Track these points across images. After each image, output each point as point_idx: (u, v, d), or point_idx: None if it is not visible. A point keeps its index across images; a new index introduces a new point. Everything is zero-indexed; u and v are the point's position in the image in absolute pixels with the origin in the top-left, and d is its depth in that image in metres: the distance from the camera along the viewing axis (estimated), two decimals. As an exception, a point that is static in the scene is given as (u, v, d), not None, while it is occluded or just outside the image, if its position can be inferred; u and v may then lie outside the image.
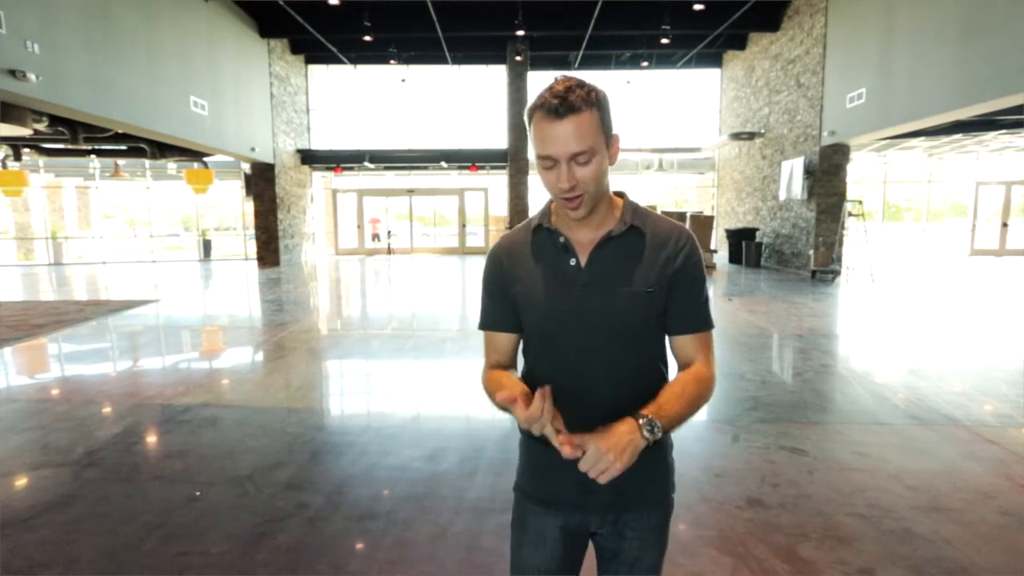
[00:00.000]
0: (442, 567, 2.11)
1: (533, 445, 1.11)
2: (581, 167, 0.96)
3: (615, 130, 1.01)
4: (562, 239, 1.06)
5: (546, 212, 1.10)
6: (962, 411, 3.68)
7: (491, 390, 1.06)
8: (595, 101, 0.95)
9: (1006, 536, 2.27)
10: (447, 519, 2.42)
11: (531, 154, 1.03)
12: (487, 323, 1.15)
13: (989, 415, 3.65)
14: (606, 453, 0.87)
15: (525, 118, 1.01)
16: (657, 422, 0.93)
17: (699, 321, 1.08)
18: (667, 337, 1.10)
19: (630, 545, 1.11)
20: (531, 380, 1.09)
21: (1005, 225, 16.61)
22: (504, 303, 1.12)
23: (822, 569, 2.06)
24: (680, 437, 3.46)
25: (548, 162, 0.97)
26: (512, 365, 1.15)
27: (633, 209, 1.07)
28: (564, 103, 0.92)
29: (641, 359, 1.07)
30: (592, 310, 1.03)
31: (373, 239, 18.76)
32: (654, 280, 1.03)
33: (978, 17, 7.22)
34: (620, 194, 1.11)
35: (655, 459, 1.11)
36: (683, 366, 1.09)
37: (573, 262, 1.05)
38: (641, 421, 0.93)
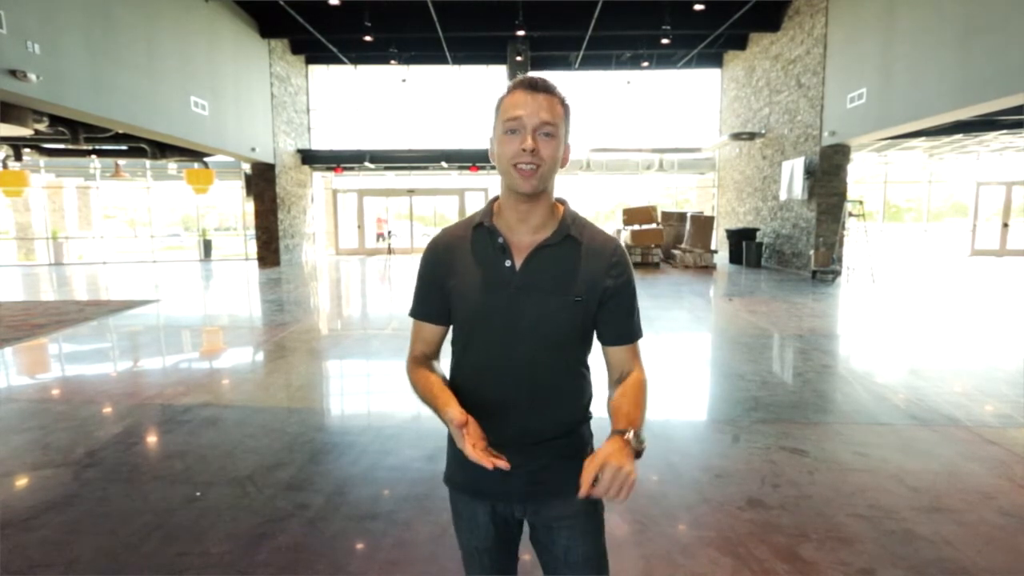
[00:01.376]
0: (442, 568, 2.11)
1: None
2: (544, 140, 1.01)
3: (570, 141, 1.08)
4: (500, 240, 1.08)
5: (488, 211, 1.12)
6: (963, 411, 3.68)
7: (421, 391, 1.10)
8: (565, 101, 1.05)
9: (1007, 537, 2.27)
10: (447, 520, 2.40)
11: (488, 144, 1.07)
12: (418, 313, 1.18)
13: (990, 415, 3.64)
14: (620, 468, 0.89)
15: (496, 103, 1.06)
16: (641, 434, 0.98)
17: (632, 333, 1.13)
18: (602, 346, 1.14)
19: (559, 535, 1.13)
20: (457, 373, 1.15)
21: (1006, 225, 16.60)
22: (436, 295, 1.14)
23: (823, 570, 2.06)
24: (680, 438, 3.48)
25: (514, 124, 1.01)
26: (436, 356, 1.19)
27: (572, 218, 1.11)
28: (542, 82, 1.02)
29: (564, 364, 1.10)
30: (521, 313, 1.06)
31: (378, 239, 18.72)
32: (584, 290, 1.07)
33: (979, 17, 7.22)
34: (561, 201, 1.14)
35: (572, 451, 1.14)
36: (621, 372, 1.13)
37: (508, 264, 1.07)
38: (628, 436, 0.96)
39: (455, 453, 1.17)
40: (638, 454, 0.96)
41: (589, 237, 1.10)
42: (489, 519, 1.16)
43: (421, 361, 1.16)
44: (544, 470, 1.11)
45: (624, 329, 1.12)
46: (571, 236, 1.08)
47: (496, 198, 1.14)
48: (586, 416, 1.17)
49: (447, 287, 1.12)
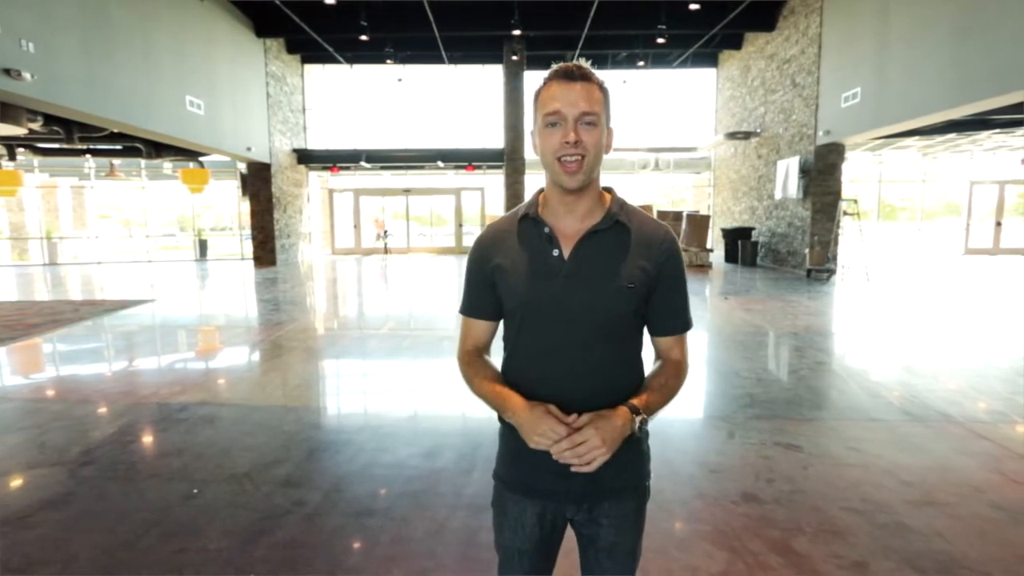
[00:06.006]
0: (440, 563, 2.12)
1: (512, 434, 1.14)
2: (586, 129, 1.00)
3: (612, 125, 1.06)
4: (547, 229, 1.07)
5: (533, 203, 1.12)
6: (956, 408, 3.71)
7: (479, 388, 1.10)
8: (603, 85, 1.02)
9: (997, 529, 2.30)
10: (444, 515, 2.43)
11: (526, 142, 1.07)
12: (467, 310, 1.17)
13: (982, 412, 3.68)
14: (600, 446, 0.94)
15: (534, 96, 1.05)
16: (647, 419, 1.02)
17: (684, 323, 1.13)
18: (651, 335, 1.14)
19: (606, 532, 1.13)
20: (510, 366, 1.14)
21: (999, 224, 16.70)
22: (484, 290, 1.14)
23: (816, 563, 2.08)
24: (676, 434, 3.49)
25: (554, 118, 1.00)
26: (487, 350, 1.18)
27: (620, 205, 1.10)
28: (580, 70, 1.00)
29: (618, 352, 1.09)
30: (574, 301, 1.05)
31: (377, 239, 18.69)
32: (637, 276, 1.05)
33: (972, 16, 7.26)
34: (608, 189, 1.13)
35: (630, 448, 1.13)
36: (665, 358, 1.13)
37: (556, 253, 1.06)
38: (637, 417, 0.99)
39: (508, 449, 1.16)
40: (631, 435, 1.00)
41: (639, 223, 1.09)
42: (537, 520, 1.13)
43: (474, 355, 1.15)
44: (603, 471, 1.07)
45: (675, 320, 1.11)
46: (620, 222, 1.07)
47: (541, 190, 1.13)
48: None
49: (494, 281, 1.11)
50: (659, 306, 1.09)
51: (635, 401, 1.02)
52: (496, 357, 1.19)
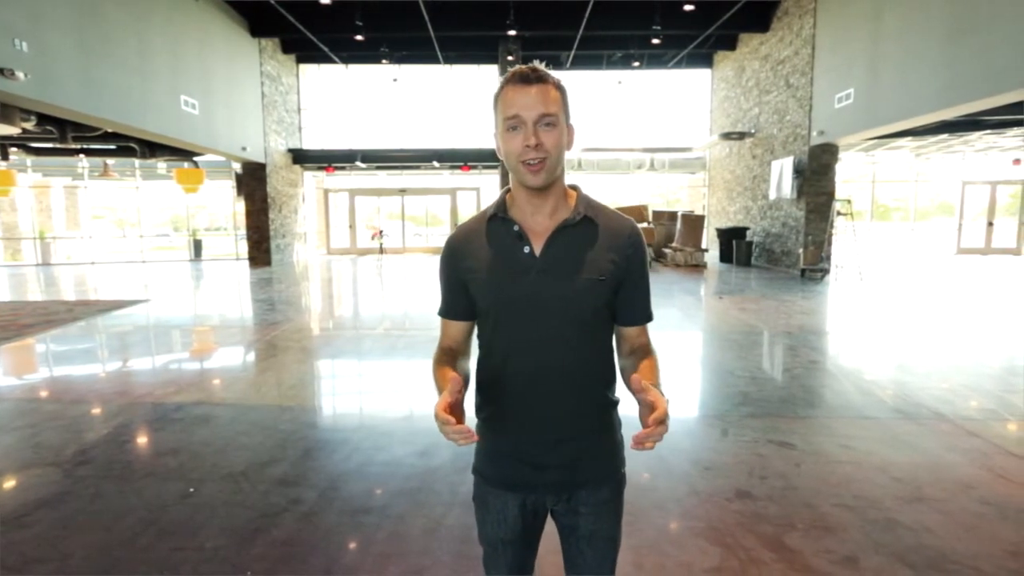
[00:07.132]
0: (436, 560, 2.14)
1: (488, 430, 1.16)
2: (546, 131, 1.01)
3: (572, 121, 1.08)
4: (516, 227, 1.09)
5: (501, 203, 1.14)
6: (947, 406, 3.75)
7: (437, 382, 1.11)
8: (559, 84, 1.04)
9: (986, 524, 2.33)
10: (440, 513, 2.45)
11: (492, 139, 1.08)
12: (444, 311, 1.20)
13: (973, 410, 3.72)
14: (663, 432, 0.92)
15: (492, 100, 1.06)
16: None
17: (648, 314, 1.16)
18: (617, 326, 1.16)
19: (585, 520, 1.16)
20: (486, 364, 1.15)
21: (991, 224, 16.84)
22: (458, 292, 1.15)
23: (808, 558, 2.11)
24: (671, 432, 3.50)
25: (514, 121, 1.02)
26: (462, 351, 1.20)
27: (587, 201, 1.13)
28: (535, 72, 1.01)
29: (592, 344, 1.11)
30: (547, 296, 1.07)
31: (373, 238, 18.67)
32: (608, 269, 1.08)
33: (964, 18, 7.33)
34: (574, 187, 1.16)
35: (605, 437, 1.16)
36: (633, 346, 1.15)
37: (527, 250, 1.08)
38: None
39: (486, 445, 1.18)
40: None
41: (606, 218, 1.12)
42: (519, 511, 1.16)
43: (444, 354, 1.17)
44: (579, 461, 1.12)
45: (641, 311, 1.15)
46: (587, 217, 1.10)
47: (508, 189, 1.15)
48: (616, 399, 1.18)
49: (466, 281, 1.13)
50: (628, 298, 1.13)
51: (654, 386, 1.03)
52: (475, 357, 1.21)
